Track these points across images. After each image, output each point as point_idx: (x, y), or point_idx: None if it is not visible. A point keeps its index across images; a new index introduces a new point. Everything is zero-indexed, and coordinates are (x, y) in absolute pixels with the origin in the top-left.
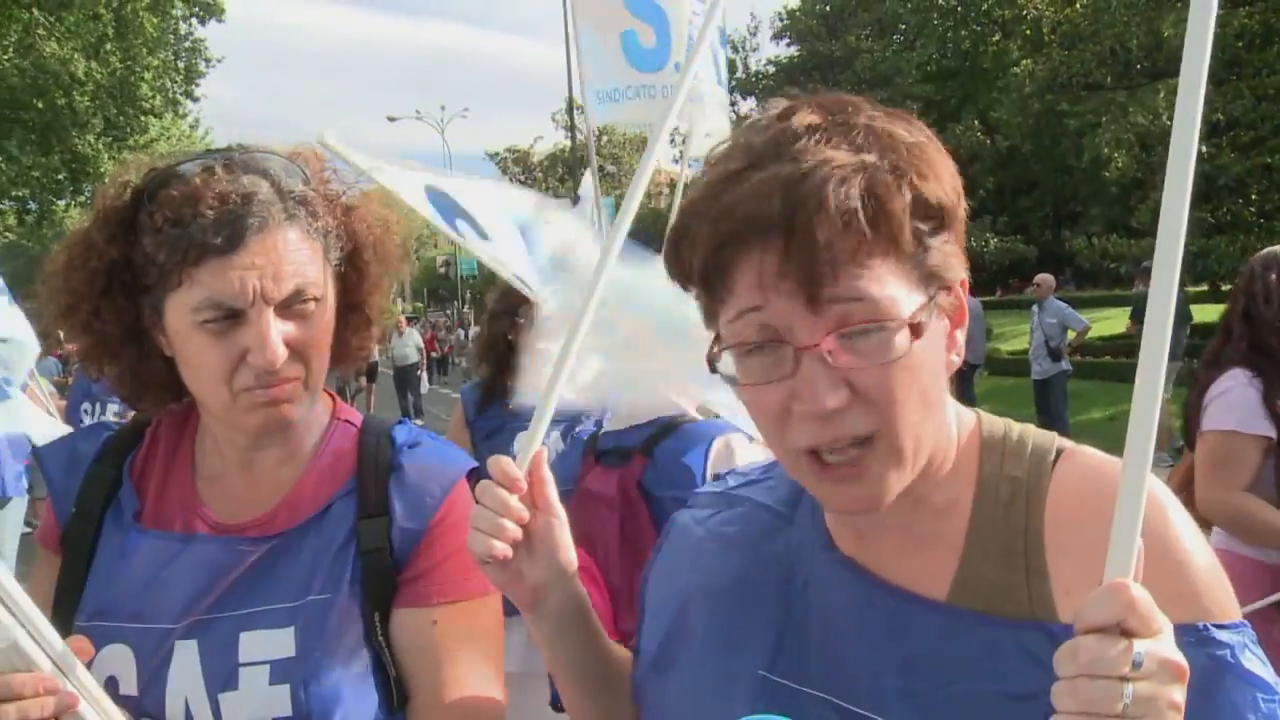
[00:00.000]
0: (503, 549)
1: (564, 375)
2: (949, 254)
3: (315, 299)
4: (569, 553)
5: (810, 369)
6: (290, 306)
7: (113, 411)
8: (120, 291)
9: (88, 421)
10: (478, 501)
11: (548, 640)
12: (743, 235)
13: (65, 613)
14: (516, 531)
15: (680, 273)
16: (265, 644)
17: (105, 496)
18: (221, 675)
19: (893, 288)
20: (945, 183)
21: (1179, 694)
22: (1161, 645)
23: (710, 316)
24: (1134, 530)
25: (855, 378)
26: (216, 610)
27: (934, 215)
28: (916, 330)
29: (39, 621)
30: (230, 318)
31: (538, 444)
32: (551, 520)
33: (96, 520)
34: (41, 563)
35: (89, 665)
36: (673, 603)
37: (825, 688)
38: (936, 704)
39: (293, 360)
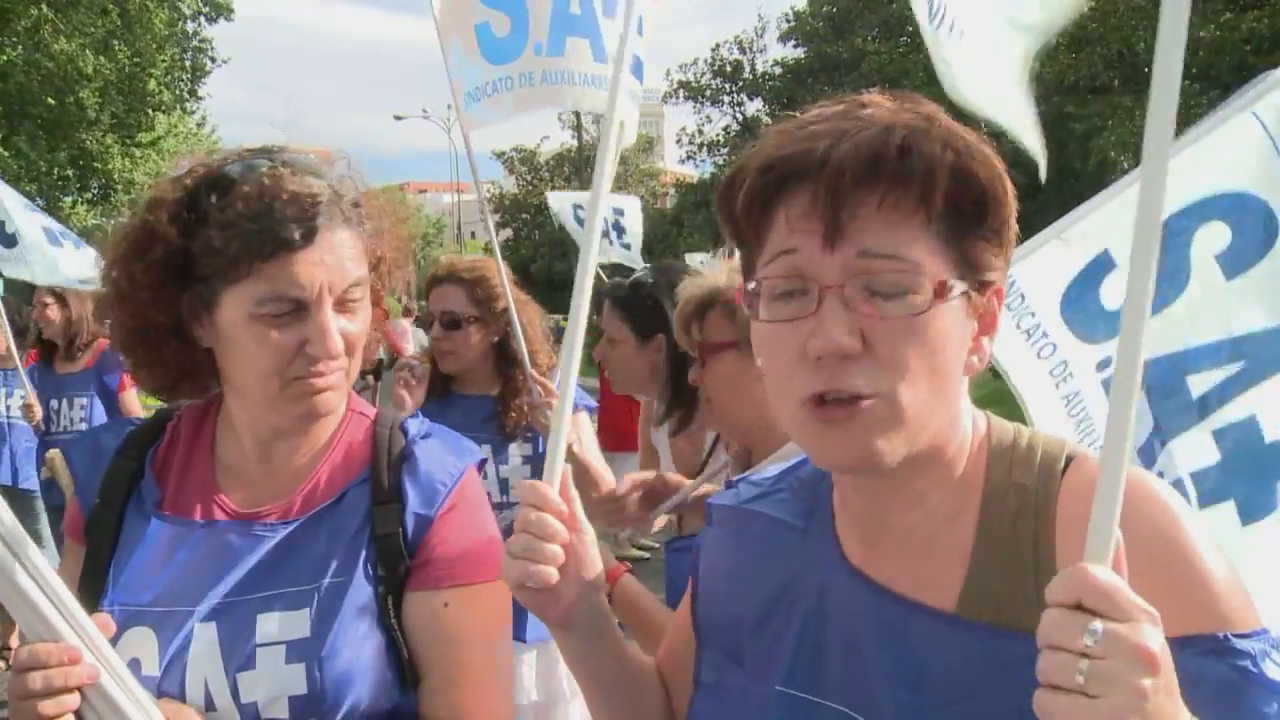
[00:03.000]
0: (552, 574)
1: (571, 386)
2: (990, 251)
3: (363, 297)
4: (597, 567)
5: (830, 307)
6: (345, 302)
7: (80, 406)
8: (175, 280)
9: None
10: (520, 529)
11: (577, 656)
12: (786, 170)
13: (89, 599)
14: (562, 556)
15: (728, 214)
16: (282, 625)
17: (127, 487)
18: (239, 655)
19: (922, 252)
20: (993, 173)
21: (1146, 681)
22: (1132, 630)
23: (749, 268)
24: (1112, 519)
25: (871, 332)
26: (236, 593)
27: (978, 201)
28: (940, 292)
29: (66, 598)
30: (293, 310)
31: (560, 463)
32: (583, 537)
33: (119, 510)
34: (67, 552)
35: (113, 644)
36: (722, 635)
37: (841, 700)
38: (947, 716)
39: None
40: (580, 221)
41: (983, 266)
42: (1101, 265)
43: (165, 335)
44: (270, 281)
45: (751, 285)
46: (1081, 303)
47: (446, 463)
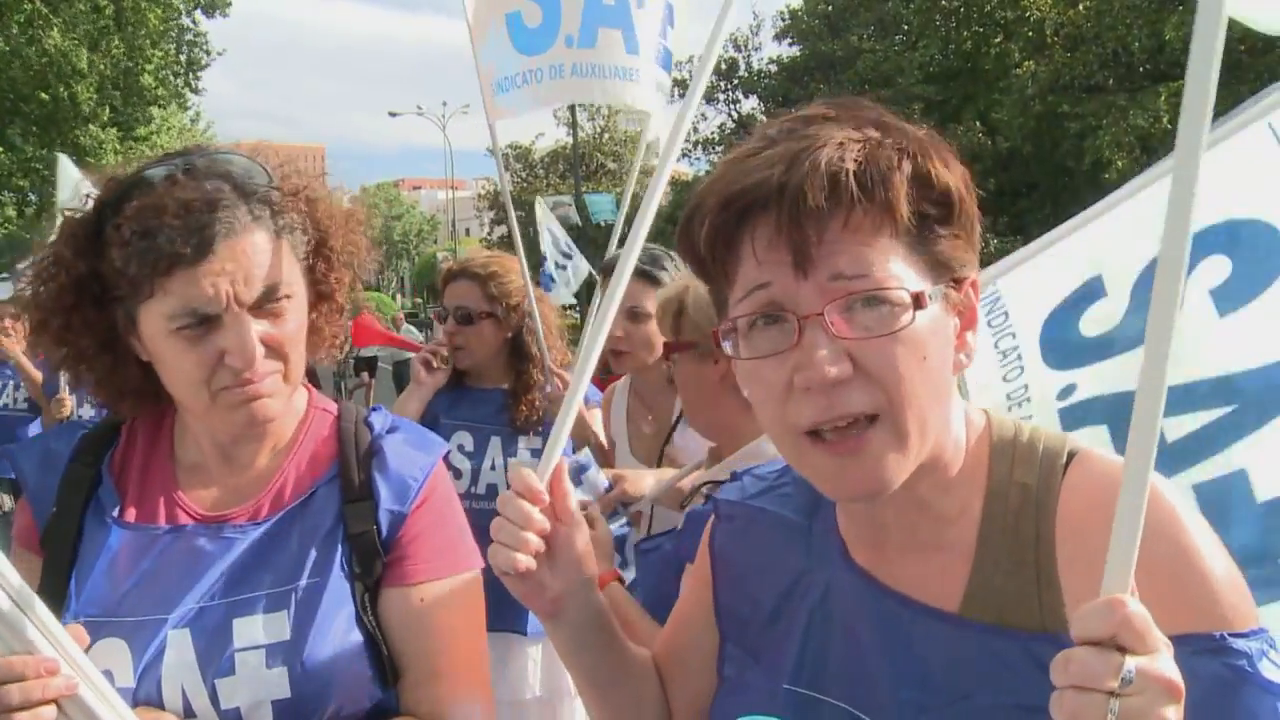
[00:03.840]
0: (526, 561)
1: (583, 386)
2: (959, 248)
3: (287, 296)
4: (590, 563)
5: (812, 338)
6: (263, 306)
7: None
8: (90, 303)
9: None
10: (499, 514)
11: (567, 649)
12: (746, 205)
13: (51, 610)
14: (539, 543)
15: (690, 251)
16: (260, 629)
17: (85, 495)
18: (217, 661)
19: (895, 265)
20: (954, 171)
21: (1173, 713)
22: (1157, 662)
23: (721, 303)
24: (1133, 543)
25: (858, 352)
26: (209, 599)
27: (941, 202)
28: (919, 302)
29: (39, 609)
30: (205, 323)
31: (558, 455)
32: (572, 531)
33: (78, 518)
34: (17, 561)
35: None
36: (740, 630)
37: (844, 698)
38: (950, 715)
39: (270, 357)
40: (562, 227)
41: (955, 264)
42: (1092, 292)
43: (93, 355)
44: (175, 297)
45: (727, 325)
46: (1062, 328)
47: (415, 457)
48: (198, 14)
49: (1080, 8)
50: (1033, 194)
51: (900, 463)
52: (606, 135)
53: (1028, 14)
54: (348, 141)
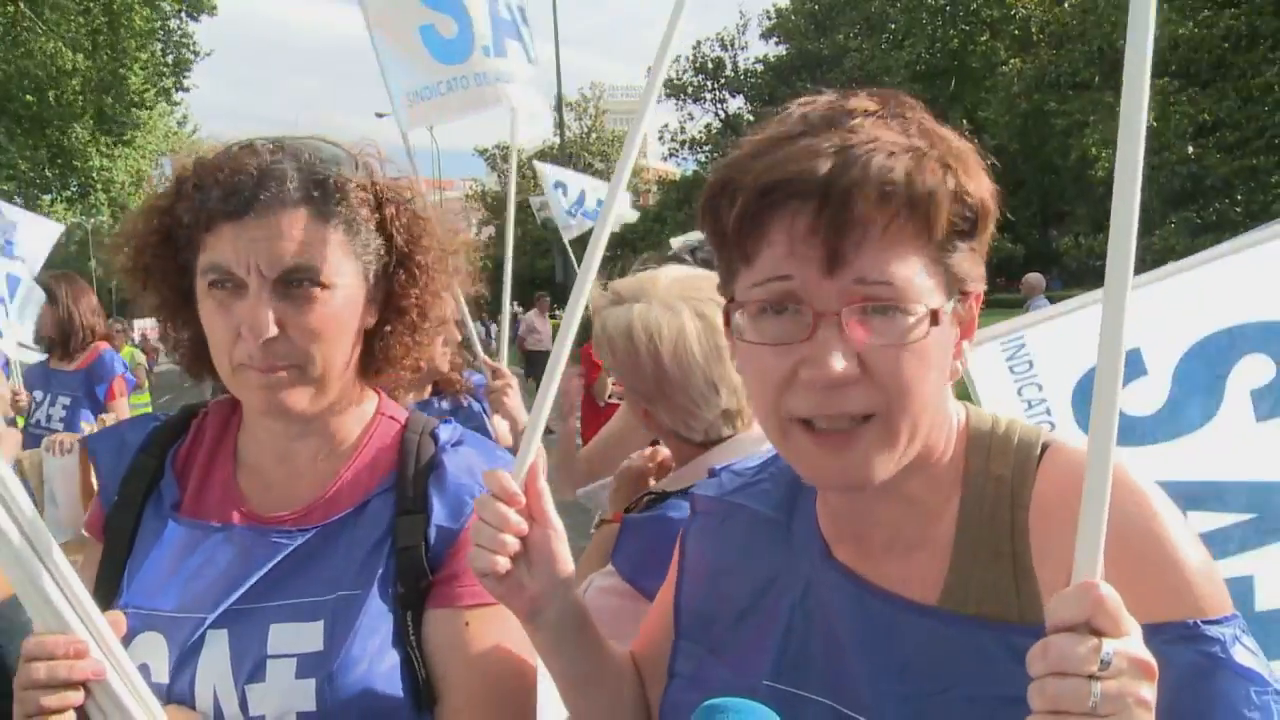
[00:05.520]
0: (503, 563)
1: (554, 387)
2: (974, 261)
3: (321, 285)
4: (566, 564)
5: (825, 335)
6: (290, 286)
7: (61, 405)
8: (170, 251)
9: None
10: (478, 516)
11: (547, 648)
12: (785, 193)
13: (105, 599)
14: (515, 545)
15: (713, 227)
16: (294, 637)
17: (147, 486)
18: (249, 666)
19: (918, 278)
20: (984, 187)
21: (1148, 691)
22: (1130, 644)
23: (730, 277)
24: (1100, 528)
25: (868, 355)
26: (249, 601)
27: (970, 216)
28: (935, 318)
29: (80, 592)
30: (232, 286)
31: (532, 456)
32: (549, 532)
33: (137, 509)
34: (89, 549)
35: (124, 647)
36: (702, 626)
37: (825, 692)
38: (930, 708)
39: (287, 344)
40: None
41: (968, 278)
42: (1130, 366)
43: (175, 309)
44: (211, 253)
45: (736, 304)
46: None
47: (477, 474)
48: (183, 15)
49: (1066, 5)
50: (1020, 191)
51: (886, 462)
52: (594, 135)
53: (1013, 12)
54: None
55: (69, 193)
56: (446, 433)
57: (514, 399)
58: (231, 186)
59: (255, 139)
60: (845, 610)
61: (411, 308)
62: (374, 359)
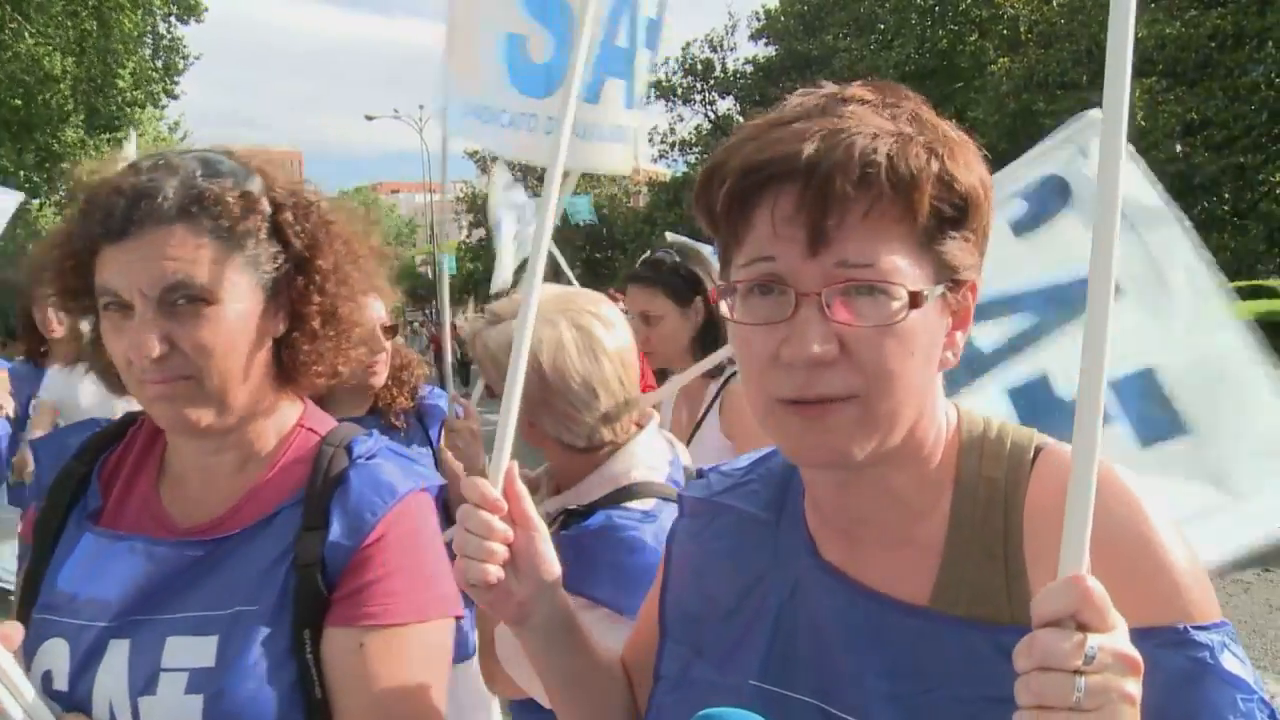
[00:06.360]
0: (496, 572)
1: (518, 388)
2: (966, 251)
3: (205, 300)
4: (553, 565)
5: (806, 315)
6: (174, 303)
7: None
8: (76, 273)
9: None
10: (462, 528)
11: (537, 652)
12: (769, 173)
13: (26, 605)
14: (504, 552)
15: (705, 207)
16: (188, 651)
17: (74, 492)
18: (144, 678)
19: (901, 261)
20: (975, 175)
21: (1133, 686)
22: (1115, 639)
23: (726, 262)
24: (1085, 522)
25: (848, 337)
26: (150, 611)
27: (958, 204)
28: (915, 301)
29: None
30: (121, 308)
31: (506, 460)
32: (532, 534)
33: (62, 515)
34: (24, 555)
35: (31, 655)
36: (688, 627)
37: (813, 692)
38: (919, 708)
39: (180, 358)
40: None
41: (959, 266)
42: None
43: (81, 336)
44: (100, 274)
45: (727, 285)
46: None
47: (381, 490)
48: (173, 20)
49: (1054, 4)
50: None
51: (864, 441)
52: None
53: (1002, 11)
54: (323, 145)
55: (58, 197)
56: (362, 446)
57: (471, 449)
58: (108, 208)
59: (143, 157)
60: (833, 610)
61: (314, 314)
62: (284, 367)
